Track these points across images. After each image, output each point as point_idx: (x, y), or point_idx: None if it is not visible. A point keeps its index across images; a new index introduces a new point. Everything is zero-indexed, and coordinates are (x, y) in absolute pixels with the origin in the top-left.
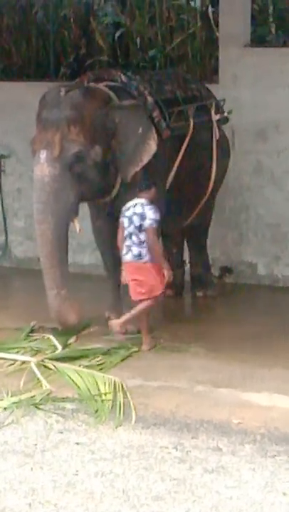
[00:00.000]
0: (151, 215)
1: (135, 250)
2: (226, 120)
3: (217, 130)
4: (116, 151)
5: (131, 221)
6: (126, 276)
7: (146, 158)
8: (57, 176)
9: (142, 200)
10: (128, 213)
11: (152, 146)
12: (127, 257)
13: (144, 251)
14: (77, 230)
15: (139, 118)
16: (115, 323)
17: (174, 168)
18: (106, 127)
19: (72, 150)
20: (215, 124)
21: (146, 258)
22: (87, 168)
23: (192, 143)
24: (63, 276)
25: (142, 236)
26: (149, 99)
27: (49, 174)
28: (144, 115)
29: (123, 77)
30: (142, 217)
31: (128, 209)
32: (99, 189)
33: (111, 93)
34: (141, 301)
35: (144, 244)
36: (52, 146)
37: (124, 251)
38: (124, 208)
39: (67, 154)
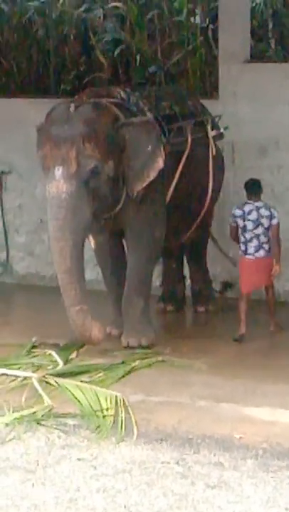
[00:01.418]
0: (276, 213)
1: (266, 247)
2: (221, 136)
3: (213, 146)
4: (124, 166)
5: (259, 223)
6: (247, 270)
7: (153, 175)
8: (74, 192)
9: (261, 203)
10: (252, 217)
11: (160, 163)
12: (260, 253)
13: (268, 247)
14: (92, 245)
15: (148, 135)
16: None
17: (173, 184)
18: (117, 143)
19: (88, 166)
20: (211, 140)
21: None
22: (101, 183)
23: (190, 158)
24: (83, 292)
25: (269, 234)
26: (149, 115)
27: (66, 191)
28: (154, 132)
29: (122, 94)
30: (271, 217)
31: (249, 213)
32: (108, 204)
33: (116, 109)
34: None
35: (269, 241)
36: (68, 163)
37: (252, 249)
38: (238, 213)
39: (84, 170)
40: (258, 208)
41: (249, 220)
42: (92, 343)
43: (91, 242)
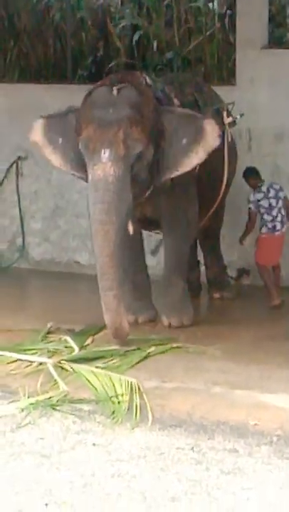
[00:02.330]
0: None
1: (285, 219)
2: (234, 123)
3: (229, 133)
4: (159, 154)
5: (278, 198)
6: (276, 245)
7: (182, 170)
8: (121, 175)
9: (268, 181)
10: (272, 194)
11: (193, 160)
12: (284, 227)
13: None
14: (131, 231)
15: (186, 128)
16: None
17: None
18: (157, 129)
19: (136, 149)
20: (227, 127)
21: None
22: (142, 168)
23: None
24: (120, 278)
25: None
26: (176, 101)
27: (113, 174)
28: (193, 126)
29: (148, 80)
30: (281, 190)
31: (268, 191)
32: (141, 190)
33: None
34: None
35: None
36: (115, 145)
37: (279, 225)
38: (259, 196)
39: (131, 153)
40: (271, 185)
41: (271, 197)
42: (120, 331)
43: (130, 228)
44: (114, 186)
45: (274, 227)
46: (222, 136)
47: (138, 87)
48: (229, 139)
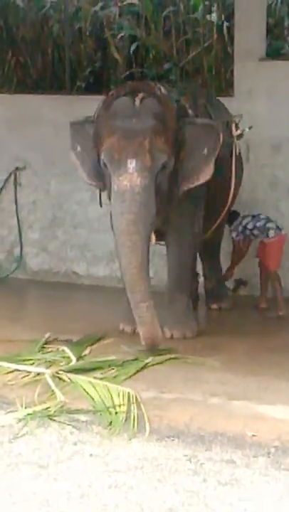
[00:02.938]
0: None
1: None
2: (241, 136)
3: (237, 145)
4: (178, 164)
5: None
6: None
7: (202, 179)
8: (147, 185)
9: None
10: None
11: (212, 168)
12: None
13: None
14: (153, 242)
15: (207, 138)
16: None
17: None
18: (178, 139)
19: (161, 160)
20: (236, 140)
21: None
22: (164, 178)
23: (217, 158)
24: (150, 288)
25: None
26: (190, 112)
27: (140, 184)
28: (214, 136)
29: (162, 90)
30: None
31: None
32: (162, 201)
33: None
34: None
35: None
36: (141, 156)
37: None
38: (244, 222)
39: (156, 164)
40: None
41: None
42: (155, 343)
43: (153, 238)
44: (140, 197)
45: (278, 226)
46: (230, 148)
47: (160, 96)
48: (237, 152)
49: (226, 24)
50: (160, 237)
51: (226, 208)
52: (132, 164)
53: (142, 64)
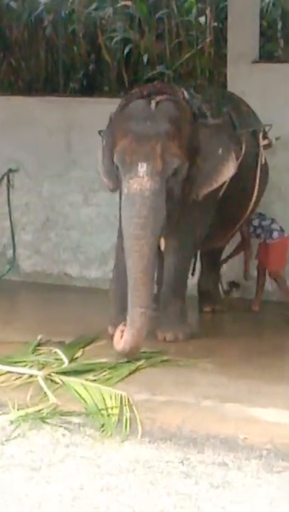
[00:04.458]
0: None
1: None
2: (269, 146)
3: (263, 155)
4: (195, 168)
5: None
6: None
7: (221, 180)
8: (158, 190)
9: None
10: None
11: (230, 168)
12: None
13: None
14: (162, 247)
15: (220, 138)
16: None
17: (222, 192)
18: (193, 143)
19: (173, 164)
20: (262, 150)
21: None
22: (176, 183)
23: (240, 167)
24: (151, 295)
25: None
26: (211, 121)
27: (150, 188)
28: (225, 135)
29: (186, 94)
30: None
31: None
32: (174, 206)
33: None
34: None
35: None
36: (153, 159)
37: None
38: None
39: (168, 168)
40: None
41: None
42: (133, 352)
43: (162, 244)
44: (150, 201)
45: (282, 229)
46: (256, 158)
47: (176, 100)
48: (262, 162)
49: (219, 27)
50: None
51: (244, 219)
52: (142, 168)
53: (135, 66)
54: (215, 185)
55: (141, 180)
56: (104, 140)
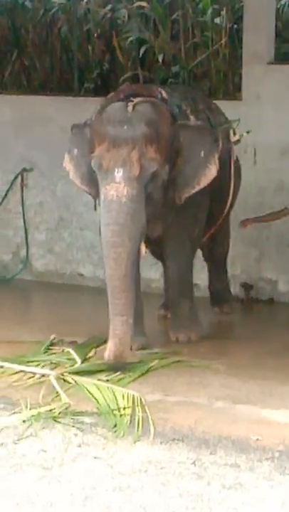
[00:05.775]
0: None
1: None
2: (238, 141)
3: (234, 151)
4: (176, 171)
5: None
6: None
7: (203, 183)
8: (135, 196)
9: None
10: None
11: (212, 170)
12: None
13: None
14: (143, 253)
15: (202, 140)
16: None
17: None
18: (173, 146)
19: (151, 169)
20: (233, 146)
21: None
22: (156, 188)
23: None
24: (132, 302)
25: None
26: (192, 118)
27: (127, 194)
28: (209, 137)
29: (164, 94)
30: None
31: None
32: (155, 210)
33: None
34: None
35: None
36: (130, 165)
37: None
38: None
39: (145, 173)
40: None
41: None
42: (118, 358)
43: (142, 249)
44: (127, 207)
45: None
46: (229, 153)
47: (154, 102)
48: (234, 157)
49: (234, 28)
50: (156, 245)
51: (224, 215)
52: (119, 173)
53: (150, 67)
54: (197, 188)
55: (118, 186)
56: (76, 148)
